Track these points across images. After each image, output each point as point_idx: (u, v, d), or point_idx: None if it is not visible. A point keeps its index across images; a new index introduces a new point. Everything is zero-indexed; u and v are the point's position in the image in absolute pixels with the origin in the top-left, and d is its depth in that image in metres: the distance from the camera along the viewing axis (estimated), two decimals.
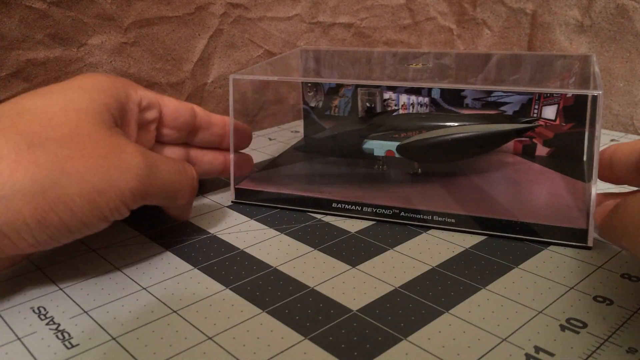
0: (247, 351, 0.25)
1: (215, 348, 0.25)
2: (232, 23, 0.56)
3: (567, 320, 0.26)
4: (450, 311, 0.27)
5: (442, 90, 0.46)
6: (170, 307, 0.28)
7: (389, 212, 0.37)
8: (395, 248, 0.34)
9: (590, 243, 0.33)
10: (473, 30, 0.66)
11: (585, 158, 0.44)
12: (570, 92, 0.40)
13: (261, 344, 0.25)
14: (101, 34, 0.48)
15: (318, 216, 0.38)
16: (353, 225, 0.37)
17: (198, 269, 0.32)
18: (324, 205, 0.38)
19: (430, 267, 0.31)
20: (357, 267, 0.32)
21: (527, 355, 0.24)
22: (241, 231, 0.36)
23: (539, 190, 0.40)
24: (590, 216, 0.32)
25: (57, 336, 0.26)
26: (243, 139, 0.41)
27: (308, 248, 0.34)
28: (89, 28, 0.47)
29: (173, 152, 0.39)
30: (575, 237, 0.33)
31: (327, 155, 0.46)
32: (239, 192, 0.41)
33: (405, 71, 0.44)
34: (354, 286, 0.30)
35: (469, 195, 0.39)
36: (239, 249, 0.34)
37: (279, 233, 0.36)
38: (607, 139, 0.53)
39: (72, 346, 0.26)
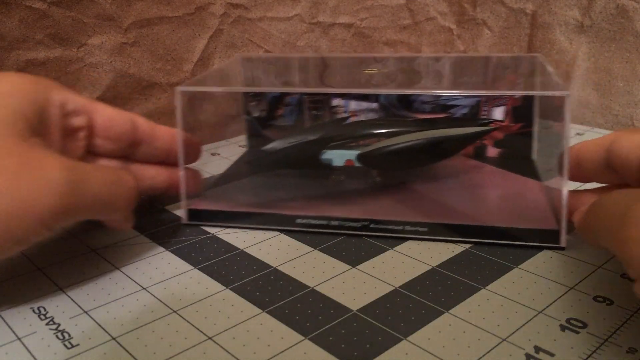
0: (247, 351, 0.25)
1: (215, 348, 0.25)
2: (232, 23, 0.56)
3: (567, 320, 0.26)
4: (450, 311, 0.27)
5: (397, 96, 0.45)
6: (170, 307, 0.28)
7: (358, 224, 0.35)
8: (395, 248, 0.34)
9: (563, 243, 0.32)
10: (473, 30, 0.66)
11: (535, 157, 0.44)
12: (541, 94, 0.40)
13: (261, 344, 0.25)
14: (101, 34, 0.48)
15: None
16: None
17: (198, 269, 0.32)
18: (287, 221, 0.36)
19: (430, 267, 0.31)
20: (357, 267, 0.32)
21: (527, 355, 0.24)
22: (241, 231, 0.36)
23: (502, 192, 0.40)
24: (563, 217, 0.32)
25: (57, 336, 0.26)
26: (192, 153, 0.38)
27: (308, 248, 0.34)
28: (89, 28, 0.47)
29: (109, 165, 0.35)
30: (548, 238, 0.33)
31: (280, 167, 0.43)
32: (192, 214, 0.37)
33: (359, 77, 0.42)
34: (354, 286, 0.30)
35: (434, 202, 0.38)
36: (239, 249, 0.34)
37: (279, 233, 0.36)
38: None
39: (72, 346, 0.26)
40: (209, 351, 0.25)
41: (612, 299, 0.28)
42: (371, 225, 0.35)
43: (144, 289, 0.30)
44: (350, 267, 0.32)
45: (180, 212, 0.39)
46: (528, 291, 0.29)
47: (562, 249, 0.33)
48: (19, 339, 0.26)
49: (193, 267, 0.32)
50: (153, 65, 0.51)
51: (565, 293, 0.29)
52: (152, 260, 0.33)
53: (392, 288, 0.29)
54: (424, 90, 0.43)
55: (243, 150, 0.51)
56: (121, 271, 0.32)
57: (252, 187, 0.42)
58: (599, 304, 0.28)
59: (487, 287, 0.29)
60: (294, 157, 0.41)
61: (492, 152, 0.46)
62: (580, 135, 0.54)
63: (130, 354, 0.25)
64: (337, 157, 0.40)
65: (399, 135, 0.39)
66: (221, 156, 0.50)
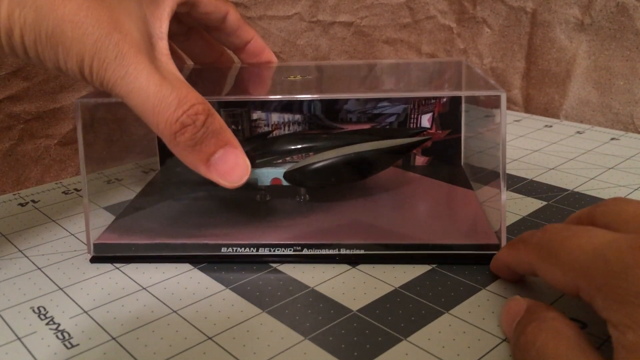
0: (247, 351, 0.25)
1: (215, 348, 0.25)
2: None
3: None
4: (450, 311, 0.27)
5: (321, 105, 0.42)
6: (170, 307, 0.28)
7: (290, 250, 0.33)
8: None
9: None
10: (473, 28, 0.66)
11: (462, 163, 0.43)
12: (477, 93, 0.37)
13: (261, 344, 0.25)
14: None
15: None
16: None
17: (198, 269, 0.32)
18: (211, 251, 0.33)
19: (431, 268, 0.31)
20: (357, 267, 0.32)
21: None
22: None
23: (437, 206, 0.38)
24: (502, 233, 0.31)
25: (57, 336, 0.26)
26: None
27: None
28: None
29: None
30: (489, 252, 0.31)
31: (199, 190, 0.39)
32: (100, 248, 0.33)
33: (281, 84, 0.38)
34: (354, 286, 0.30)
35: (367, 221, 0.35)
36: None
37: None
38: (607, 138, 0.53)
39: (72, 346, 0.26)
40: (209, 351, 0.25)
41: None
42: (304, 251, 0.32)
43: (144, 289, 0.30)
44: (350, 267, 0.32)
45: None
46: (529, 292, 0.29)
47: None
48: (19, 339, 0.26)
49: (193, 267, 0.32)
50: None
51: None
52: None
53: (392, 288, 0.29)
54: (360, 94, 0.40)
55: (147, 175, 0.46)
56: (121, 271, 0.32)
57: (168, 214, 0.37)
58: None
59: (487, 288, 0.29)
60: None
61: (420, 160, 0.44)
62: (581, 134, 0.54)
63: (130, 354, 0.25)
64: (263, 176, 0.37)
65: (328, 150, 0.36)
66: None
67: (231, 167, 0.29)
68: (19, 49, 0.26)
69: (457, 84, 0.40)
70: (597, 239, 0.23)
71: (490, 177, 0.34)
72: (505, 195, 0.31)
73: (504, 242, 0.31)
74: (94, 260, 0.33)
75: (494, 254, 0.30)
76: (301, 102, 0.42)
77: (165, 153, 0.45)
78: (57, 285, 0.31)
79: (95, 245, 0.33)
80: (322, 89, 0.38)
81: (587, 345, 0.22)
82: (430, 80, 0.41)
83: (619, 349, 0.20)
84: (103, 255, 0.33)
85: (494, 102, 0.31)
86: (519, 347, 0.23)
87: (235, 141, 0.29)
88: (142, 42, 0.28)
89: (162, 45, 0.30)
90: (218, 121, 0.28)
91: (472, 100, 0.42)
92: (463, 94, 0.42)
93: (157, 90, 0.27)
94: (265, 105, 0.42)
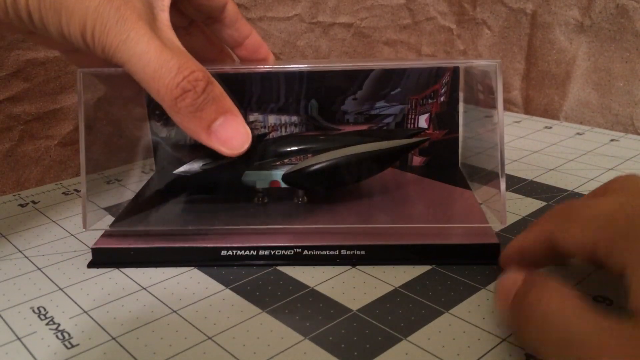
0: (247, 351, 0.25)
1: (215, 348, 0.25)
2: None
3: None
4: (450, 311, 0.27)
5: (319, 106, 0.42)
6: (170, 307, 0.28)
7: (290, 252, 0.32)
8: None
9: None
10: (473, 30, 0.66)
11: (460, 164, 0.44)
12: (472, 62, 0.38)
13: (261, 344, 0.25)
14: None
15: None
16: None
17: (198, 269, 0.32)
18: (211, 254, 0.33)
19: (431, 267, 0.31)
20: (357, 267, 0.32)
21: (527, 355, 0.24)
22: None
23: (436, 206, 0.38)
24: (503, 209, 0.31)
25: (57, 336, 0.26)
26: None
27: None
28: None
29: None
30: (490, 253, 0.31)
31: (197, 193, 0.39)
32: (98, 254, 0.33)
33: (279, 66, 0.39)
34: (354, 286, 0.30)
35: (366, 222, 0.35)
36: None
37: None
38: (607, 139, 0.53)
39: (72, 346, 0.26)
40: (209, 351, 0.25)
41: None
42: (304, 252, 0.32)
43: (144, 289, 0.30)
44: (350, 267, 0.32)
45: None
46: None
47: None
48: (19, 339, 0.26)
49: (193, 267, 0.32)
50: None
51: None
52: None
53: (392, 288, 0.29)
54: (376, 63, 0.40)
55: (146, 176, 0.45)
56: (121, 271, 0.32)
57: (166, 217, 0.37)
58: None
59: (486, 287, 0.29)
60: (213, 180, 0.37)
61: (417, 160, 0.44)
62: (580, 135, 0.54)
63: (130, 354, 0.25)
64: (262, 178, 0.36)
65: (326, 152, 0.36)
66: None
67: (232, 135, 0.29)
68: (24, 13, 0.27)
69: (451, 90, 0.41)
70: (618, 198, 0.24)
71: (488, 177, 0.35)
72: (504, 178, 0.31)
73: (504, 221, 0.32)
74: (91, 265, 0.33)
75: (493, 253, 0.30)
76: (298, 102, 0.42)
77: (160, 155, 0.44)
78: (57, 286, 0.31)
79: (93, 250, 0.33)
80: (316, 95, 0.39)
81: (591, 305, 0.21)
82: (423, 87, 0.42)
83: (637, 290, 0.20)
84: (101, 261, 0.33)
85: (489, 89, 0.31)
86: (522, 315, 0.23)
87: (235, 109, 0.29)
88: (143, 10, 0.28)
89: (164, 16, 0.30)
90: (218, 89, 0.29)
91: (470, 99, 0.42)
92: (460, 63, 0.42)
93: (158, 56, 0.27)
94: (262, 107, 0.42)
